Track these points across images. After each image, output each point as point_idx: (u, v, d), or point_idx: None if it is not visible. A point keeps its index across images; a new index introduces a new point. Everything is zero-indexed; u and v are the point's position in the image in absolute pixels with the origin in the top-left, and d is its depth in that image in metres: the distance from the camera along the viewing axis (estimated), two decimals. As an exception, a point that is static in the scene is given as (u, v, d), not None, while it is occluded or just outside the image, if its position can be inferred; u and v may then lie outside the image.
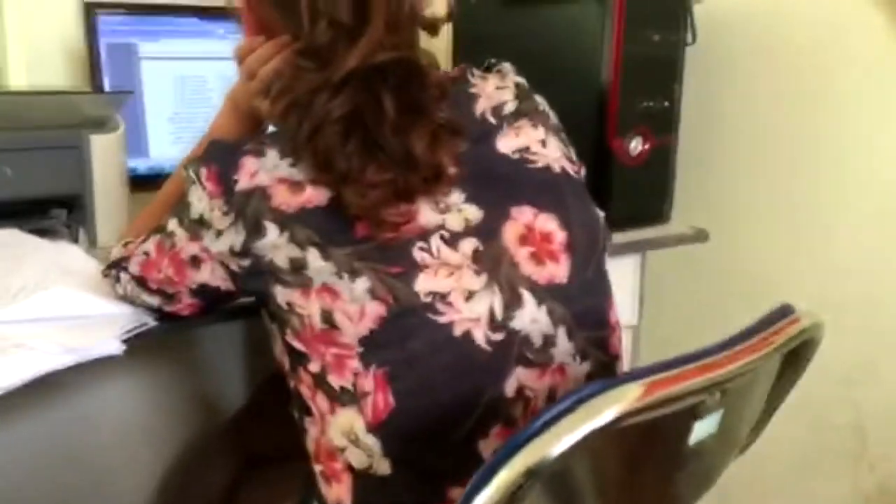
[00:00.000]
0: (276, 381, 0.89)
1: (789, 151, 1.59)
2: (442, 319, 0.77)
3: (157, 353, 1.28)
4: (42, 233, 1.17)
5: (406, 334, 0.77)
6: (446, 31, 1.65)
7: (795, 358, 0.83)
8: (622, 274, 1.55)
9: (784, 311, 0.78)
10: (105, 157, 1.22)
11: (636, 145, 1.47)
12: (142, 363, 1.27)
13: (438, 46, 1.62)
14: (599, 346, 0.86)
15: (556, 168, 0.87)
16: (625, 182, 1.48)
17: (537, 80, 1.45)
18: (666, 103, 1.51)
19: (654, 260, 1.61)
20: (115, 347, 0.90)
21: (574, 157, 0.93)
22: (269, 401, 1.13)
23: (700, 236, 1.55)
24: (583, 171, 0.98)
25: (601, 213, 1.04)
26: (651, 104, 1.49)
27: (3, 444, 1.17)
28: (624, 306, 1.57)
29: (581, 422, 0.60)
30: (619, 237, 1.47)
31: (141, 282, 0.90)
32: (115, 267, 0.94)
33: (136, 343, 0.92)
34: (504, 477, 0.59)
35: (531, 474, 0.59)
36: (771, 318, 0.77)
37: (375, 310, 0.76)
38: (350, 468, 0.81)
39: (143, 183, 1.31)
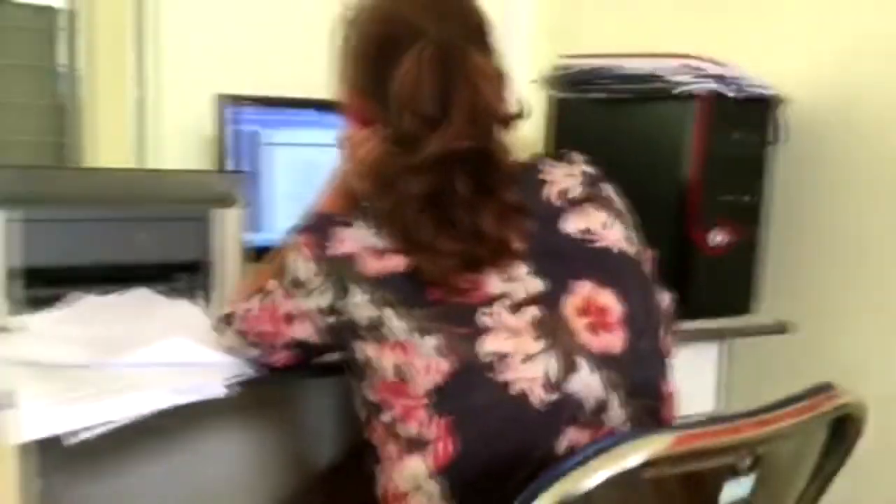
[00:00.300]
0: (363, 443, 0.99)
1: (879, 247, 1.60)
2: (500, 378, 0.86)
3: (257, 409, 1.40)
4: (168, 293, 1.33)
5: (469, 389, 0.86)
6: (541, 126, 1.78)
7: (842, 436, 0.87)
8: (703, 361, 1.59)
9: (822, 388, 0.83)
10: (226, 229, 1.38)
11: (716, 237, 1.53)
12: (243, 419, 1.40)
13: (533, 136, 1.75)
14: (652, 415, 0.92)
15: (616, 249, 0.96)
16: (706, 272, 1.53)
17: (626, 172, 1.54)
18: (750, 198, 1.57)
19: (741, 351, 1.64)
20: (218, 391, 1.02)
21: (636, 240, 1.01)
22: (356, 461, 1.23)
23: (782, 328, 1.57)
24: (648, 255, 1.06)
25: (668, 296, 1.11)
26: (734, 198, 1.55)
27: (121, 489, 1.31)
28: (704, 394, 1.62)
29: (609, 464, 0.67)
30: (699, 324, 1.52)
31: (243, 335, 1.03)
32: (222, 321, 1.07)
33: (238, 392, 1.04)
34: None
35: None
36: (809, 393, 0.82)
37: (442, 366, 0.86)
38: (416, 510, 0.89)
39: (259, 255, 1.46)
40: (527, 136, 1.97)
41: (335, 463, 1.36)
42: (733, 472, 0.74)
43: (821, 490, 0.92)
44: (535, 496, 0.67)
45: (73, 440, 0.92)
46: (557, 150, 1.74)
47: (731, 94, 1.46)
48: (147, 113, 1.72)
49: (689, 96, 1.46)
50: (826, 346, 1.66)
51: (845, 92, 1.61)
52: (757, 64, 1.61)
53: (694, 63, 1.49)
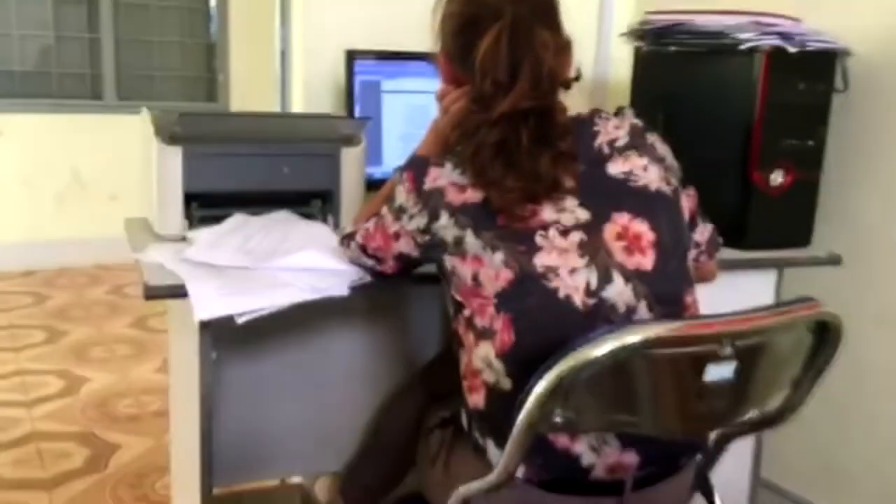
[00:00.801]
0: (452, 333, 1.27)
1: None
2: (551, 285, 1.12)
3: (374, 312, 1.71)
4: (305, 216, 1.65)
5: (526, 293, 1.13)
6: (627, 77, 1.98)
7: (824, 342, 1.10)
8: (761, 287, 1.79)
9: (804, 299, 1.06)
10: (351, 164, 1.68)
11: (777, 178, 1.71)
12: (364, 318, 1.72)
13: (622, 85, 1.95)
14: (674, 320, 1.16)
15: (653, 188, 1.19)
16: (765, 208, 1.72)
17: (699, 118, 1.77)
18: (811, 142, 1.74)
19: (797, 281, 1.83)
20: (344, 291, 1.34)
21: (674, 181, 1.24)
22: (450, 355, 1.53)
23: (835, 260, 1.75)
24: (690, 192, 1.29)
25: (710, 227, 1.34)
26: (796, 143, 1.72)
27: (270, 368, 1.65)
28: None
29: (616, 339, 0.93)
30: (757, 254, 1.72)
31: (362, 249, 1.34)
32: (346, 238, 1.38)
33: (358, 297, 1.35)
34: (557, 369, 0.94)
35: (577, 370, 0.93)
36: (792, 301, 1.05)
37: (506, 274, 1.13)
38: (485, 384, 1.18)
39: (376, 185, 1.76)
40: (615, 83, 2.21)
41: (434, 357, 1.67)
42: (716, 357, 0.99)
43: (812, 382, 1.15)
44: (557, 361, 0.95)
45: (240, 321, 1.25)
46: (641, 95, 1.96)
47: (793, 49, 1.63)
48: (290, 66, 2.04)
49: (754, 50, 1.64)
50: (875, 279, 1.83)
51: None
52: (828, 19, 1.76)
53: (761, 20, 1.66)
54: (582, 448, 1.13)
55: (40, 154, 4.41)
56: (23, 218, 4.43)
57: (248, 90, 4.73)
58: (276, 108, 2.35)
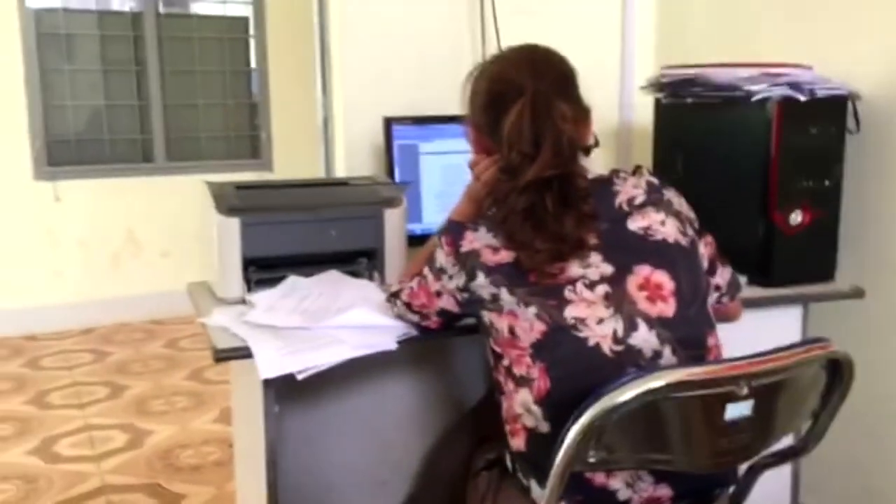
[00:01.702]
0: (493, 381, 1.38)
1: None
2: (581, 335, 1.23)
3: (420, 362, 1.83)
4: (352, 274, 1.78)
5: (558, 343, 1.24)
6: (650, 128, 2.09)
7: (838, 378, 1.19)
8: (788, 322, 1.87)
9: (816, 339, 1.15)
10: (393, 224, 1.81)
11: (796, 217, 1.80)
12: (413, 367, 1.84)
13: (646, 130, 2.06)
14: (697, 361, 1.26)
15: (671, 240, 1.30)
16: (786, 247, 1.81)
17: (718, 165, 1.87)
18: (827, 182, 1.83)
19: (823, 315, 1.91)
20: (392, 345, 1.46)
21: (690, 232, 1.34)
22: (494, 400, 1.63)
23: (858, 293, 1.82)
24: (707, 240, 1.39)
25: (728, 270, 1.44)
26: (812, 184, 1.81)
27: (328, 417, 1.77)
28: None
29: (641, 384, 1.04)
30: (783, 291, 1.81)
31: (408, 306, 1.46)
32: (393, 296, 1.51)
33: (407, 348, 1.47)
34: (589, 413, 1.04)
35: (607, 413, 1.04)
36: (804, 342, 1.15)
37: (540, 327, 1.24)
38: (525, 427, 1.28)
39: (417, 241, 1.88)
40: (639, 131, 2.32)
41: (480, 400, 1.78)
42: (734, 397, 1.09)
43: (831, 415, 1.24)
44: (588, 406, 1.05)
45: (300, 377, 1.38)
46: (663, 142, 2.07)
47: (802, 98, 1.73)
48: (333, 133, 2.19)
49: (766, 100, 1.74)
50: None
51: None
52: (837, 66, 1.86)
53: (771, 70, 1.77)
54: (618, 484, 1.23)
55: (96, 217, 4.64)
56: (81, 278, 4.64)
57: (290, 146, 4.93)
58: (320, 167, 2.51)
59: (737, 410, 1.10)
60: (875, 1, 1.90)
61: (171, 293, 4.55)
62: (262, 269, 1.73)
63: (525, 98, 1.29)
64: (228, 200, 1.70)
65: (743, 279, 1.72)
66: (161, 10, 4.88)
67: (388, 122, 2.02)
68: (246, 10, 5.07)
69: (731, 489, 1.34)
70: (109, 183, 4.68)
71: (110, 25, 4.77)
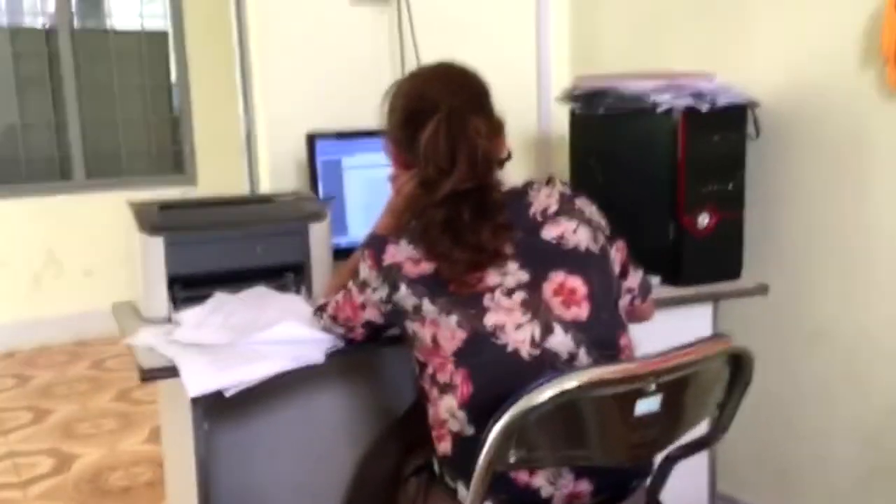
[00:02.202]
0: (418, 389, 1.42)
1: (841, 222, 1.94)
2: (500, 341, 1.29)
3: (347, 373, 1.87)
4: (280, 288, 1.80)
5: (479, 350, 1.29)
6: (567, 138, 2.17)
7: (740, 370, 1.27)
8: (699, 319, 1.97)
9: (717, 335, 1.23)
10: (318, 238, 1.84)
11: (703, 220, 1.90)
12: (341, 379, 1.87)
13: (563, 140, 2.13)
14: (611, 361, 1.33)
15: (582, 248, 1.36)
16: (696, 248, 1.91)
17: (629, 172, 1.95)
18: (731, 186, 1.93)
19: (732, 311, 2.01)
20: (320, 358, 1.49)
21: (601, 239, 1.41)
22: (421, 408, 1.67)
23: (763, 290, 1.93)
24: (619, 245, 1.46)
25: (640, 273, 1.51)
26: (717, 188, 1.91)
27: (258, 432, 1.79)
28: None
29: (556, 386, 1.09)
30: (693, 290, 1.90)
31: (334, 319, 1.49)
32: (319, 310, 1.54)
33: (334, 361, 1.50)
34: (509, 414, 1.09)
35: (526, 414, 1.09)
36: (706, 339, 1.22)
37: (461, 335, 1.29)
38: (450, 432, 1.33)
39: (343, 254, 1.91)
40: (557, 140, 2.40)
41: (408, 409, 1.82)
42: (643, 393, 1.15)
43: (735, 406, 1.32)
44: (508, 407, 1.11)
45: (228, 394, 1.40)
46: (578, 151, 2.15)
47: (704, 108, 1.82)
48: (256, 149, 2.21)
49: (671, 110, 1.83)
50: (801, 304, 2.02)
51: (808, 95, 1.95)
52: (740, 73, 1.97)
53: (676, 81, 1.86)
54: (540, 481, 1.29)
55: (15, 237, 4.53)
56: (1, 300, 4.52)
57: (214, 160, 4.89)
58: (244, 181, 2.51)
59: (646, 406, 1.16)
60: (773, 13, 2.02)
61: (96, 313, 4.47)
62: (187, 288, 1.74)
63: (441, 114, 1.34)
64: (152, 219, 1.71)
65: (655, 280, 1.81)
66: (76, 25, 4.79)
67: (312, 138, 2.05)
68: (164, 25, 5.01)
69: (649, 480, 1.41)
70: (27, 202, 4.56)
71: (23, 41, 4.67)
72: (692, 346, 1.19)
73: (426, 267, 1.32)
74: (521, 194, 1.41)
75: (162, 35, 5.03)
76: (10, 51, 4.61)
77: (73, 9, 4.83)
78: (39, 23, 4.90)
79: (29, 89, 4.67)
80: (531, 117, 2.55)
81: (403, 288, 1.33)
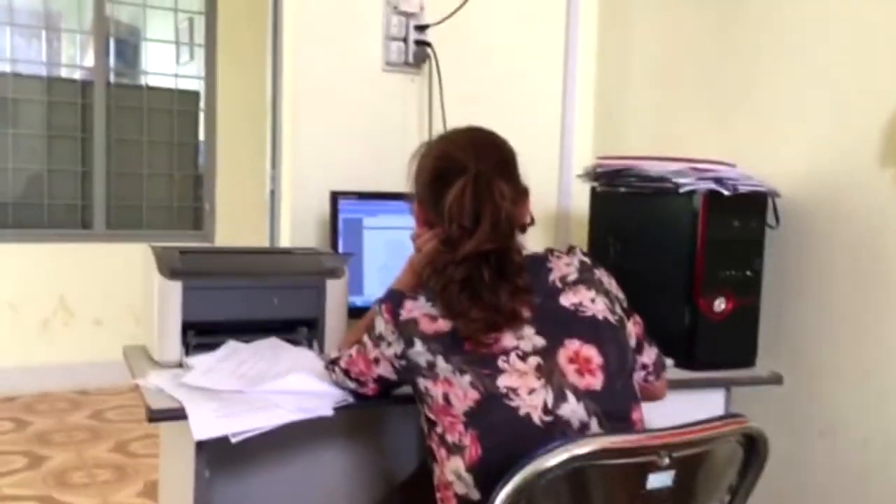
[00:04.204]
0: (426, 448, 1.41)
1: (855, 315, 1.93)
2: (512, 404, 1.27)
3: (355, 432, 1.84)
4: (292, 342, 1.80)
5: (490, 411, 1.28)
6: (587, 214, 2.19)
7: (755, 454, 1.25)
8: (711, 405, 1.94)
9: (733, 415, 1.21)
10: (335, 295, 1.84)
11: (720, 304, 1.89)
12: (346, 438, 1.84)
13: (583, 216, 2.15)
14: (621, 434, 1.31)
15: (600, 317, 1.36)
16: (711, 333, 1.89)
17: (647, 251, 1.96)
18: (748, 272, 1.93)
19: (744, 398, 1.98)
20: (329, 412, 1.48)
21: (619, 311, 1.41)
22: (426, 471, 1.65)
23: (777, 379, 1.91)
24: (635, 320, 1.46)
25: (654, 351, 1.51)
26: (735, 273, 1.92)
27: (257, 486, 1.76)
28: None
29: (567, 451, 1.08)
30: (706, 374, 1.89)
31: (346, 373, 1.49)
32: (332, 363, 1.53)
33: (340, 418, 1.48)
34: (517, 478, 1.08)
35: (534, 478, 1.07)
36: (723, 417, 1.21)
37: (473, 395, 1.28)
38: (456, 495, 1.31)
39: (358, 312, 1.91)
40: (576, 216, 2.42)
41: (414, 471, 1.79)
42: (655, 467, 1.13)
43: (748, 491, 1.29)
44: (517, 471, 1.09)
45: (234, 440, 1.38)
46: (598, 227, 2.17)
47: (726, 192, 1.84)
48: (278, 205, 2.24)
49: (693, 193, 1.85)
50: (813, 397, 1.99)
51: (829, 189, 1.97)
52: (759, 164, 2.00)
53: (698, 166, 1.89)
54: (544, 552, 1.26)
55: (28, 281, 4.55)
56: (8, 343, 4.51)
57: (233, 218, 4.95)
58: (264, 238, 2.54)
59: (658, 480, 1.14)
60: (793, 107, 2.06)
61: (101, 363, 4.49)
62: (201, 334, 1.74)
63: (468, 176, 1.36)
64: (171, 263, 1.72)
65: (669, 362, 1.79)
66: (112, 79, 4.92)
67: (335, 196, 2.08)
68: (197, 85, 5.14)
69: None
70: (45, 248, 4.61)
71: (59, 92, 4.79)
72: (707, 422, 1.18)
73: (443, 325, 1.32)
74: (541, 260, 1.42)
75: (194, 94, 5.15)
76: (46, 100, 4.73)
77: (111, 64, 4.97)
78: (77, 74, 5.04)
79: (59, 138, 4.77)
80: (552, 192, 2.58)
81: (419, 344, 1.33)
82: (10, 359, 4.50)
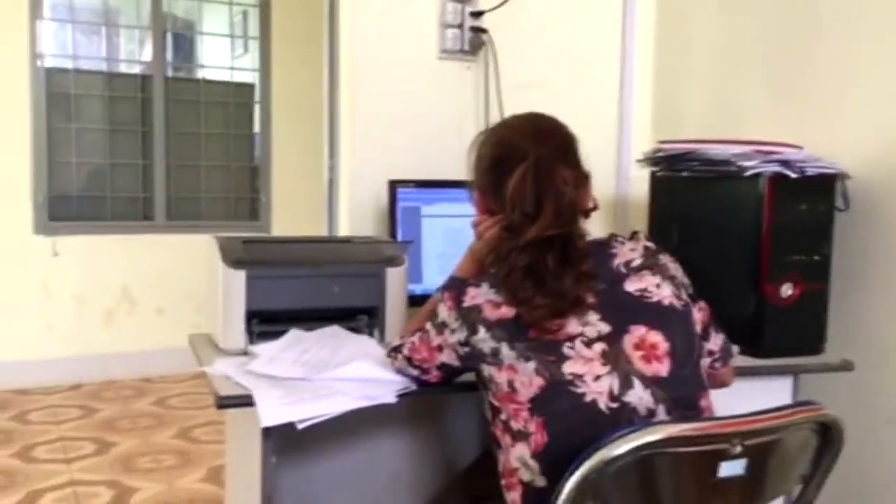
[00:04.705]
0: (490, 435, 1.41)
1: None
2: (578, 391, 1.26)
3: (418, 419, 1.85)
4: (353, 330, 1.81)
5: (556, 398, 1.27)
6: (646, 200, 2.16)
7: (828, 442, 1.22)
8: (778, 393, 1.90)
9: (807, 402, 1.18)
10: (394, 283, 1.85)
11: (787, 290, 1.85)
12: (408, 425, 1.85)
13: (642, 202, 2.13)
14: (690, 421, 1.29)
15: (665, 303, 1.34)
16: (778, 319, 1.85)
17: (711, 236, 1.92)
18: (816, 257, 1.88)
19: (813, 386, 1.94)
20: (392, 399, 1.48)
21: (684, 296, 1.39)
22: (488, 459, 1.65)
23: (847, 366, 1.86)
24: (701, 305, 1.43)
25: (721, 337, 1.48)
26: (803, 258, 1.87)
27: (321, 473, 1.78)
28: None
29: (636, 439, 1.07)
30: (773, 362, 1.85)
31: (409, 360, 1.49)
32: (394, 351, 1.54)
33: (403, 406, 1.49)
34: (585, 466, 1.07)
35: (603, 467, 1.06)
36: (799, 404, 1.18)
37: (538, 382, 1.27)
38: (521, 482, 1.30)
39: (417, 301, 1.92)
40: (635, 202, 2.39)
41: (475, 459, 1.79)
42: (727, 455, 1.11)
43: (821, 480, 1.26)
44: (585, 459, 1.08)
45: (300, 427, 1.39)
46: (659, 214, 2.13)
47: (793, 175, 1.79)
48: (337, 193, 2.25)
49: (758, 176, 1.80)
50: (885, 382, 1.94)
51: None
52: (827, 146, 1.94)
53: (763, 148, 1.84)
54: (611, 540, 1.24)
55: (93, 272, 4.67)
56: (74, 333, 4.64)
57: (288, 209, 5.01)
58: (320, 228, 2.56)
59: (731, 469, 1.12)
60: (862, 84, 1.99)
61: (163, 351, 4.58)
62: (264, 323, 1.76)
63: (528, 162, 1.35)
64: (235, 253, 1.75)
65: (735, 349, 1.75)
66: (169, 73, 5.01)
67: (393, 185, 2.08)
68: (252, 78, 5.20)
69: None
70: (108, 239, 4.72)
71: (119, 87, 4.89)
72: (781, 409, 1.16)
73: (506, 311, 1.32)
74: (605, 245, 1.40)
75: (249, 87, 5.22)
76: (108, 94, 4.83)
77: (169, 59, 5.05)
78: (136, 69, 5.14)
79: (120, 131, 4.87)
80: (610, 178, 2.55)
81: (482, 331, 1.32)
82: (76, 348, 4.63)
